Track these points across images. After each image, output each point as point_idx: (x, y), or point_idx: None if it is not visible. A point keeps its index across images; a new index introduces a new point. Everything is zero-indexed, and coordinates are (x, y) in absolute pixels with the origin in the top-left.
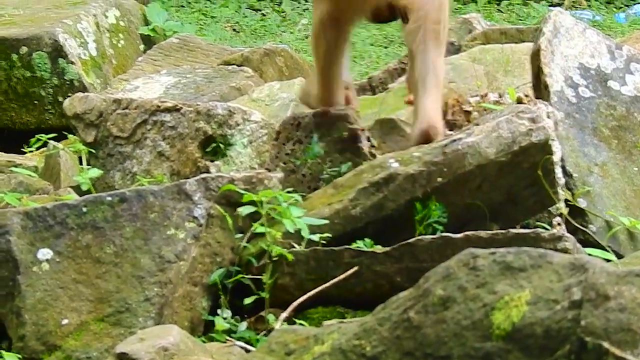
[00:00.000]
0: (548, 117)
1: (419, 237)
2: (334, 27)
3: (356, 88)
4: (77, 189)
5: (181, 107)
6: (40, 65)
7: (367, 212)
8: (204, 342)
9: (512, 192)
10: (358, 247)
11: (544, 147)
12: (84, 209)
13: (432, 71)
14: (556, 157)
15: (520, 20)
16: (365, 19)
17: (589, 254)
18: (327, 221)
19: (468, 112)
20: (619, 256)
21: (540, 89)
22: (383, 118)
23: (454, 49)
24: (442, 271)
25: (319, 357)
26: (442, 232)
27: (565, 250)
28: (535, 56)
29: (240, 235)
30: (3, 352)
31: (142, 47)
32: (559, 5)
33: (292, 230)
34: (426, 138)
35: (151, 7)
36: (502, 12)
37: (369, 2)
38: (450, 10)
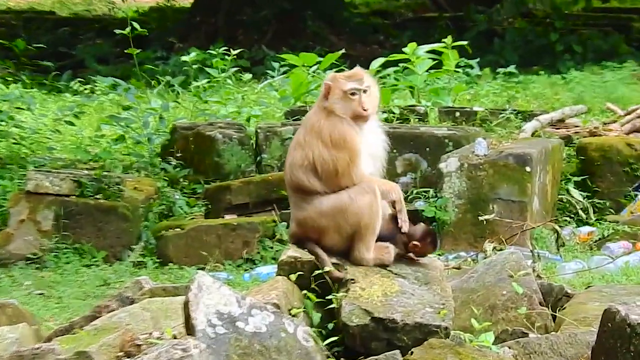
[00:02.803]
0: (195, 347)
1: None
2: None
3: (63, 330)
4: None
5: None
6: None
7: None
8: None
9: None
10: None
11: None
12: None
13: None
14: None
15: (177, 280)
16: None
17: None
18: None
19: (139, 346)
20: None
21: (190, 328)
22: (80, 350)
23: (129, 301)
24: None
25: None
26: None
27: None
28: (186, 306)
29: None
30: None
31: None
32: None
33: None
34: None
35: None
36: (164, 274)
37: None
38: None
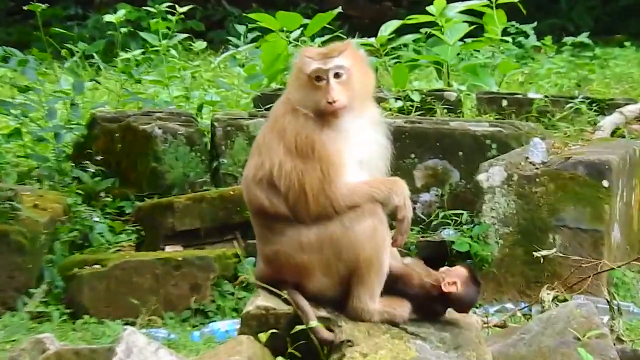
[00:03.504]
0: None
1: None
2: None
3: None
4: None
5: None
6: None
7: None
8: None
9: None
10: None
11: None
12: None
13: None
14: None
15: (96, 339)
16: None
17: None
18: None
19: None
20: None
21: None
22: None
23: None
24: None
25: None
26: None
27: None
28: None
29: None
30: None
31: None
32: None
33: None
34: None
35: None
36: (77, 330)
37: None
38: None
